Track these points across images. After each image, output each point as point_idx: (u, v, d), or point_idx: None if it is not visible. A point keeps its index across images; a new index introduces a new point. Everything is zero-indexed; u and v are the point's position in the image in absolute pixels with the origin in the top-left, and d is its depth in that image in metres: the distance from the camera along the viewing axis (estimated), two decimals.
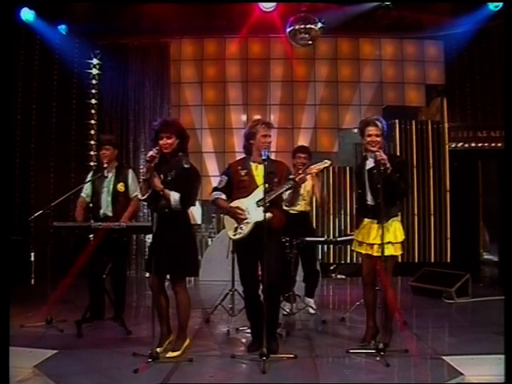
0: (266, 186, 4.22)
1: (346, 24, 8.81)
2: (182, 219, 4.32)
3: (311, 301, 5.94)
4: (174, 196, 4.17)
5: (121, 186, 5.46)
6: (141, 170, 8.41)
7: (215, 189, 4.52)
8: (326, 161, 4.54)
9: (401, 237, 4.44)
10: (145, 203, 6.78)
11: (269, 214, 4.16)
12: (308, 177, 5.73)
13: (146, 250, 8.85)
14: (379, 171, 4.24)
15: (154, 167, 4.18)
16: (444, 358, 4.20)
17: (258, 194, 4.31)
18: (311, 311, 5.84)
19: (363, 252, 4.51)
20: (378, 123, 4.42)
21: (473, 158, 8.92)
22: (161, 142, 4.23)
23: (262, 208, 4.18)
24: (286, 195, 4.33)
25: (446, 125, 8.97)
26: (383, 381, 3.81)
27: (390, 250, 4.35)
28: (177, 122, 4.55)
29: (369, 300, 4.61)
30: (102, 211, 5.45)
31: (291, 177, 4.30)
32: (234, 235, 4.39)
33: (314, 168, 4.58)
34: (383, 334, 4.42)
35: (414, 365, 4.11)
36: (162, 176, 4.24)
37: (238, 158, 4.84)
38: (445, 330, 5.38)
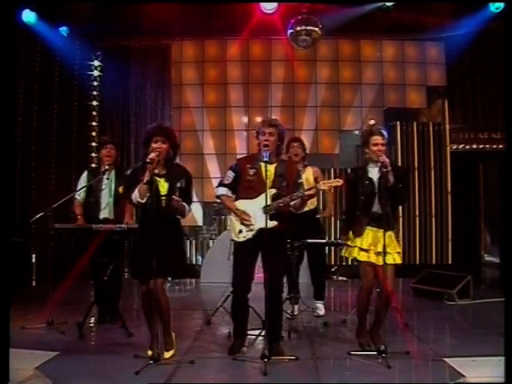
0: (274, 191, 4.27)
1: (346, 26, 8.79)
2: (178, 220, 4.36)
3: (321, 305, 5.92)
4: (187, 207, 4.26)
5: (121, 188, 5.45)
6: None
7: (221, 184, 4.51)
8: (338, 180, 4.50)
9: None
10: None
11: (274, 223, 4.20)
12: (308, 169, 5.81)
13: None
14: (384, 176, 4.27)
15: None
16: (445, 359, 4.21)
17: (265, 198, 4.26)
18: (320, 313, 5.84)
19: (366, 260, 4.43)
20: (384, 132, 4.53)
21: (474, 160, 8.91)
22: (155, 145, 4.19)
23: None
24: (293, 202, 4.30)
25: (447, 126, 8.98)
26: (385, 382, 3.81)
27: (398, 259, 4.44)
28: (171, 129, 4.53)
29: (366, 305, 4.56)
30: (102, 213, 5.44)
31: (300, 193, 4.24)
32: (238, 238, 4.39)
33: (325, 184, 4.57)
34: (380, 334, 4.41)
35: (415, 367, 4.13)
36: (169, 183, 4.21)
37: (247, 155, 4.83)
38: (446, 332, 5.38)
